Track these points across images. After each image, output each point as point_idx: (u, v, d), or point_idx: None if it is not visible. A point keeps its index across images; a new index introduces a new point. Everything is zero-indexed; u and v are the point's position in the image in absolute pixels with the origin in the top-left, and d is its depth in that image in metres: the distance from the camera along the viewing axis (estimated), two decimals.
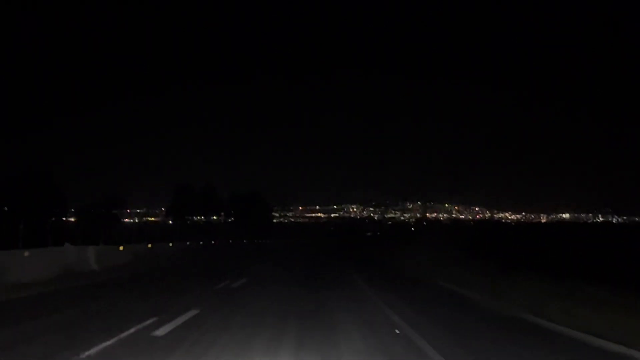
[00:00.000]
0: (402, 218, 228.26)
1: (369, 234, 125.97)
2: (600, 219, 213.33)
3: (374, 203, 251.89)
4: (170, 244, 28.40)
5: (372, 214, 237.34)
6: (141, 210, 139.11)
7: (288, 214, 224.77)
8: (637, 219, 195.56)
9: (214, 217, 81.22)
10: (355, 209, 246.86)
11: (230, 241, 48.79)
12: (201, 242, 36.44)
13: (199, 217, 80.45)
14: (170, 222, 74.07)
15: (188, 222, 71.07)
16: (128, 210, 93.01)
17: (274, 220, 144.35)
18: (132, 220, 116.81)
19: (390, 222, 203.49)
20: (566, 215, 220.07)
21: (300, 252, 44.84)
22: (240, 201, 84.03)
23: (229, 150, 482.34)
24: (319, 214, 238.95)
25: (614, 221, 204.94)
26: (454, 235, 64.44)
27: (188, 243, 33.31)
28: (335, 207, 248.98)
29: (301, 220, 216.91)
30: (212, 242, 40.81)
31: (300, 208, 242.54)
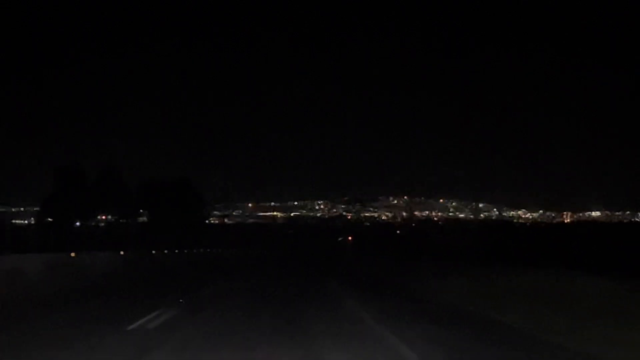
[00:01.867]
0: (384, 217, 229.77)
1: (340, 238, 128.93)
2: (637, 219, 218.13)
3: (346, 198, 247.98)
4: None
5: (343, 212, 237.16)
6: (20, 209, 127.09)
7: (235, 213, 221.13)
8: None
9: (119, 219, 69.75)
10: (322, 206, 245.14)
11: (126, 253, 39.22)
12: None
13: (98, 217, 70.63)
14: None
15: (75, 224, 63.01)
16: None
17: (213, 221, 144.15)
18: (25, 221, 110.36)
19: (367, 223, 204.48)
20: (597, 214, 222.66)
21: (248, 270, 42.78)
22: (157, 192, 73.20)
23: (144, 123, 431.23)
24: (274, 213, 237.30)
25: None
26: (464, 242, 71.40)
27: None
28: (296, 203, 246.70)
29: (252, 220, 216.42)
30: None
31: (250, 205, 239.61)
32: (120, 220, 69.81)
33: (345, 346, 11.13)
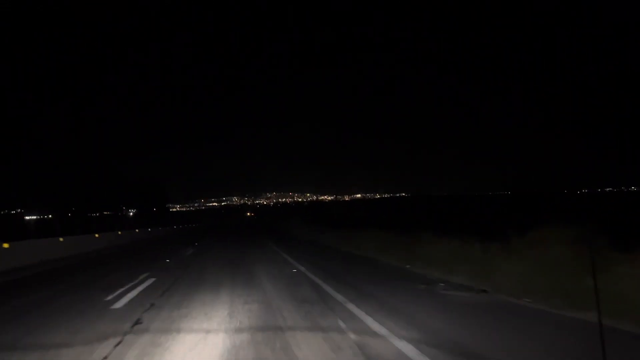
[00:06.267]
0: (265, 203, 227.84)
1: (248, 213, 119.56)
2: (377, 196, 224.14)
3: (247, 194, 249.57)
4: (120, 232, 21.35)
5: (247, 201, 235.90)
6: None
7: (195, 204, 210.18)
8: (402, 194, 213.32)
9: (125, 211, 48.92)
10: (237, 199, 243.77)
11: (137, 230, 27.35)
12: (119, 232, 21.89)
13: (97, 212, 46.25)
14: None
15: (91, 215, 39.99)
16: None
17: (178, 209, 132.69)
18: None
19: (259, 206, 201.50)
20: (359, 195, 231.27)
21: (204, 229, 38.93)
22: (143, 191, 57.70)
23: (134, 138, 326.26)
24: (214, 203, 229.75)
25: (385, 196, 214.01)
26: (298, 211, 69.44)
27: (137, 230, 25.66)
28: (224, 198, 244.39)
29: (203, 207, 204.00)
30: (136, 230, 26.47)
31: (203, 200, 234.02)
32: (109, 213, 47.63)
33: (260, 249, 12.08)
